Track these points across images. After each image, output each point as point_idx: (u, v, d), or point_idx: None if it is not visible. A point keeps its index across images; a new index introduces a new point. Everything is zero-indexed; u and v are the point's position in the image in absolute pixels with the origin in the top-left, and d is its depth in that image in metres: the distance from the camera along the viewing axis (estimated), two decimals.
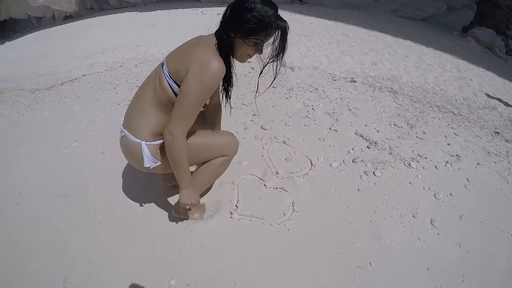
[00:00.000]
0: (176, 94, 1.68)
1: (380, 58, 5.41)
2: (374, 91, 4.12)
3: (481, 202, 2.45)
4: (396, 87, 4.32)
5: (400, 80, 4.61)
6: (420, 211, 2.34)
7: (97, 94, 4.07)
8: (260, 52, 1.69)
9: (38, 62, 5.36)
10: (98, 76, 4.67)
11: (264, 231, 2.18)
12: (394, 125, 3.34)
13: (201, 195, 2.23)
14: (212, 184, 2.44)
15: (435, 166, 2.76)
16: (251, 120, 3.31)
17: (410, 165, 2.74)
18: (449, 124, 3.49)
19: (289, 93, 3.92)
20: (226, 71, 1.67)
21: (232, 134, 2.09)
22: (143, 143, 1.75)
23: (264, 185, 2.50)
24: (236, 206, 2.33)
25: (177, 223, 2.22)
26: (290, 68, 4.78)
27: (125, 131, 1.80)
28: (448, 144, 3.08)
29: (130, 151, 1.83)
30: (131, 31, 6.91)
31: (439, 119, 3.57)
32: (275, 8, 1.58)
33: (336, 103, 3.71)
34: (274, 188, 2.48)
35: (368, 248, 2.07)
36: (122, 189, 2.48)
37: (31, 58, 5.56)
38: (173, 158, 1.71)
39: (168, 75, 1.68)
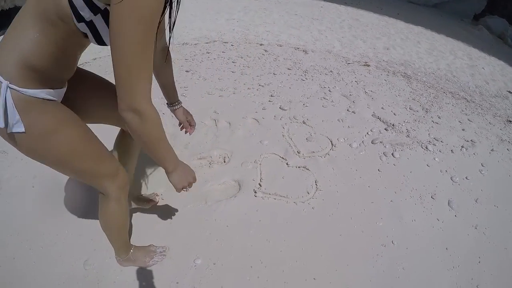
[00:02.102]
0: (73, 8, 0.97)
1: (392, 43, 5.40)
2: (388, 75, 4.14)
3: (495, 187, 2.49)
4: (410, 72, 4.33)
5: (413, 66, 4.62)
6: (438, 192, 2.38)
7: (110, 77, 4.03)
8: None
9: None
10: (108, 59, 4.61)
11: (288, 209, 2.21)
12: (410, 108, 3.37)
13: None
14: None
15: (451, 150, 2.80)
16: (269, 101, 3.33)
17: (427, 148, 2.78)
18: (462, 110, 3.51)
19: (305, 75, 3.95)
20: None
21: (118, 163, 1.46)
22: (6, 83, 1.01)
23: (287, 164, 2.54)
24: (259, 184, 2.36)
25: (200, 203, 2.24)
26: (303, 51, 4.79)
27: None
28: (463, 130, 3.12)
29: None
30: None
31: (453, 105, 3.60)
32: None
33: (352, 86, 3.74)
34: (296, 167, 2.52)
35: (390, 227, 2.12)
36: (145, 169, 2.47)
37: None
38: (148, 140, 1.11)
39: None
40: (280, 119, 3.06)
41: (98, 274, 1.83)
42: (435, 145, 2.83)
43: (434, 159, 2.68)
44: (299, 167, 2.51)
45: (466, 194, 2.40)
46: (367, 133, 2.93)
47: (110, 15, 0.90)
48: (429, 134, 2.98)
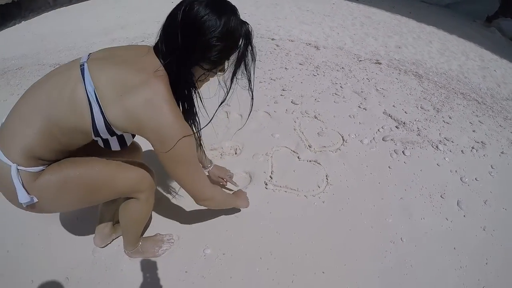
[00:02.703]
0: (94, 129, 1.17)
1: (404, 42, 5.37)
2: (399, 74, 4.13)
3: (504, 190, 2.48)
4: (421, 72, 4.31)
5: (425, 65, 4.60)
6: (448, 192, 2.38)
7: None
8: (223, 71, 1.31)
9: (57, 39, 5.27)
10: None
11: (299, 202, 2.23)
12: (421, 108, 3.37)
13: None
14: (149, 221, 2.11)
15: (461, 151, 2.79)
16: (281, 95, 3.34)
17: (437, 147, 2.78)
18: (473, 112, 3.50)
19: (316, 70, 3.95)
20: (186, 110, 1.34)
21: (145, 165, 1.54)
22: (14, 166, 1.12)
23: (298, 157, 2.55)
24: (270, 177, 2.38)
25: None
26: (315, 46, 4.78)
27: None
28: (473, 131, 3.11)
29: None
30: (151, 7, 6.82)
31: (464, 106, 3.59)
32: (235, 11, 1.19)
33: (363, 83, 3.74)
34: (307, 161, 2.53)
35: (399, 224, 2.13)
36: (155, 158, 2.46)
37: (49, 36, 5.44)
38: (222, 207, 1.70)
39: (95, 99, 1.11)
40: (292, 113, 3.07)
41: (106, 262, 1.86)
42: (445, 145, 2.83)
43: (445, 158, 2.68)
44: (310, 161, 2.53)
45: (475, 195, 2.39)
46: (378, 130, 2.93)
47: (161, 158, 1.22)
48: (439, 133, 2.98)
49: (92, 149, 1.36)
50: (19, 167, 1.13)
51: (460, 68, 4.78)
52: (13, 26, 6.08)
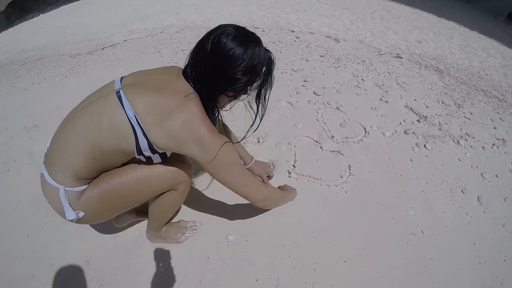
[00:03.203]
0: (138, 149, 1.27)
1: (424, 37, 5.34)
2: (420, 68, 4.11)
3: None
4: (442, 67, 4.29)
5: (445, 61, 4.57)
6: (468, 187, 2.39)
7: (142, 57, 4.11)
8: (245, 95, 1.39)
9: (76, 31, 5.32)
10: (140, 41, 4.67)
11: (322, 191, 2.25)
12: (442, 102, 3.36)
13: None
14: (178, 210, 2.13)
15: (482, 147, 2.78)
16: (303, 86, 3.36)
17: (459, 143, 2.77)
18: (494, 109, 3.48)
19: (337, 63, 3.95)
20: None
21: (180, 158, 1.55)
22: (62, 188, 1.27)
23: (321, 147, 2.57)
24: (293, 166, 2.41)
25: None
26: (335, 39, 4.77)
27: (44, 168, 1.32)
28: (494, 128, 3.09)
29: (49, 195, 1.34)
30: None
31: (485, 103, 3.57)
32: (259, 42, 1.26)
33: (384, 76, 3.74)
34: (330, 151, 2.55)
35: (420, 217, 2.14)
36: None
37: (68, 28, 5.49)
38: (279, 203, 1.74)
39: (136, 122, 1.21)
40: (314, 103, 3.08)
41: (127, 246, 1.89)
42: (466, 140, 2.82)
43: (466, 154, 2.68)
44: (332, 151, 2.55)
45: (496, 192, 2.39)
46: (400, 123, 2.94)
47: (208, 168, 1.30)
48: (461, 129, 2.97)
49: (130, 161, 1.43)
50: (66, 188, 1.27)
51: (481, 64, 4.74)
52: (31, 19, 6.17)
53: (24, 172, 2.37)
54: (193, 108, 1.22)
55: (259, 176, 2.19)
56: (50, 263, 1.81)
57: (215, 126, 1.37)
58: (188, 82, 1.29)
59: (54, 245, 1.91)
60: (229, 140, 1.32)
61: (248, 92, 1.34)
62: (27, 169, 2.39)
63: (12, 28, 5.78)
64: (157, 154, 1.34)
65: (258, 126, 1.46)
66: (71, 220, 1.35)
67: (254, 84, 1.32)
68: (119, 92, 1.24)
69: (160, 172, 1.44)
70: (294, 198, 1.91)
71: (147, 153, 1.31)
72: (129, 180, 1.38)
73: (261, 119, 1.44)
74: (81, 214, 1.34)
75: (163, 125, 1.20)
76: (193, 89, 1.27)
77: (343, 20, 5.72)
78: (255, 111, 1.41)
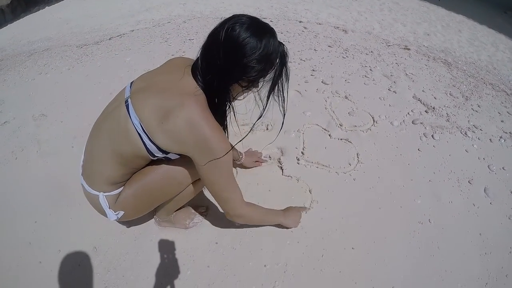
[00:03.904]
0: (150, 153, 1.33)
1: (433, 29, 5.30)
2: (428, 60, 4.09)
3: None
4: (450, 60, 4.27)
5: (454, 54, 4.54)
6: (475, 178, 2.39)
7: (149, 47, 4.10)
8: (257, 87, 1.35)
9: (82, 22, 5.30)
10: (147, 31, 4.65)
11: (330, 178, 2.27)
12: (450, 94, 3.35)
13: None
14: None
15: (490, 139, 2.78)
16: (311, 75, 3.36)
17: (466, 134, 2.77)
18: (502, 103, 3.46)
19: (345, 53, 3.94)
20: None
21: None
22: (101, 194, 1.44)
23: (329, 135, 2.59)
24: (302, 152, 2.42)
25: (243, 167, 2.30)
26: (343, 30, 4.76)
27: (83, 180, 1.48)
28: (502, 121, 3.08)
29: (92, 202, 1.51)
30: None
31: (492, 96, 3.55)
32: (273, 33, 1.23)
33: (392, 67, 3.73)
34: (339, 139, 2.56)
35: (427, 206, 2.15)
36: None
37: (74, 19, 5.44)
38: (256, 223, 1.77)
39: (142, 130, 1.26)
40: (323, 92, 3.09)
41: (135, 231, 1.92)
42: (474, 132, 2.82)
43: (473, 145, 2.68)
44: (341, 139, 2.56)
45: (502, 184, 2.39)
46: (408, 113, 2.94)
47: (201, 170, 1.31)
48: (468, 121, 2.97)
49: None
50: (104, 194, 1.44)
51: (490, 58, 4.71)
52: (37, 12, 6.11)
53: (32, 161, 2.40)
54: (194, 105, 1.21)
55: (254, 162, 2.26)
56: (58, 249, 1.84)
57: (225, 118, 1.44)
58: (196, 77, 1.28)
59: (61, 231, 1.94)
60: (230, 145, 1.32)
61: (262, 83, 1.32)
62: (35, 158, 2.42)
63: (17, 21, 5.74)
64: (171, 154, 1.37)
65: (283, 123, 1.47)
66: (114, 220, 1.52)
67: (268, 76, 1.29)
68: (128, 101, 1.30)
69: (182, 167, 1.49)
70: (288, 226, 1.92)
71: (159, 155, 1.36)
72: (155, 177, 1.47)
73: (284, 114, 1.41)
74: (121, 213, 1.50)
75: (164, 127, 1.22)
76: (197, 86, 1.27)
77: (351, 11, 5.69)
78: (264, 104, 1.36)
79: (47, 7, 6.32)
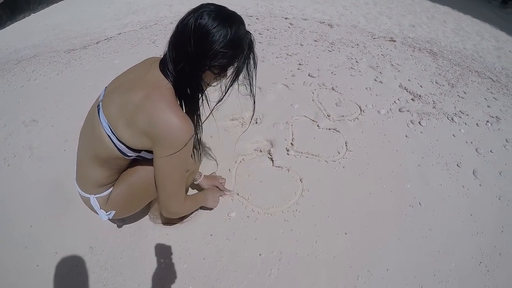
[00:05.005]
0: (122, 153, 1.34)
1: (418, 21, 5.36)
2: (413, 51, 4.14)
3: None
4: (435, 50, 4.32)
5: (439, 44, 4.59)
6: (464, 161, 2.43)
7: (137, 48, 4.12)
8: (226, 76, 1.34)
9: (69, 27, 5.30)
10: (135, 34, 4.66)
11: (320, 167, 2.30)
12: (436, 82, 3.39)
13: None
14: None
15: (476, 124, 2.82)
16: (298, 69, 3.40)
17: (453, 120, 2.82)
18: (488, 89, 3.51)
19: (331, 46, 3.98)
20: (191, 112, 1.40)
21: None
22: (92, 197, 1.49)
23: (317, 125, 2.62)
24: (291, 143, 2.45)
25: (234, 160, 2.33)
26: (329, 25, 4.80)
27: (76, 184, 1.55)
28: (488, 106, 3.12)
29: (87, 204, 1.57)
30: None
31: (478, 83, 3.60)
32: (241, 21, 1.25)
33: (378, 59, 3.78)
34: (327, 129, 2.60)
35: (417, 190, 2.19)
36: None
37: (60, 25, 5.42)
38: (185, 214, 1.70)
39: (111, 131, 1.28)
40: (310, 85, 3.12)
41: (130, 229, 1.93)
42: (460, 117, 2.86)
43: (460, 130, 2.72)
44: (329, 129, 2.59)
45: (491, 166, 2.43)
46: (395, 101, 2.99)
47: (159, 162, 1.28)
48: (454, 107, 3.01)
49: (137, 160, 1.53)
50: (95, 196, 1.50)
51: (475, 47, 4.76)
52: (23, 19, 6.08)
53: (24, 166, 2.40)
54: (159, 96, 1.22)
55: (212, 186, 2.11)
56: (54, 252, 1.85)
57: (198, 108, 1.40)
58: (165, 70, 1.28)
59: (57, 234, 1.95)
60: (192, 139, 1.29)
61: (234, 68, 1.30)
62: (28, 163, 2.42)
63: (3, 29, 5.72)
64: (143, 152, 1.39)
65: (254, 109, 1.54)
66: (106, 219, 1.57)
67: (238, 61, 1.28)
68: (99, 105, 1.33)
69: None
70: (209, 206, 1.97)
71: (132, 154, 1.37)
72: (141, 175, 1.52)
73: (254, 100, 1.46)
74: (112, 213, 1.56)
75: (129, 124, 1.23)
76: (165, 78, 1.27)
77: (336, 6, 5.74)
78: (227, 88, 1.36)
79: (32, 14, 6.30)
